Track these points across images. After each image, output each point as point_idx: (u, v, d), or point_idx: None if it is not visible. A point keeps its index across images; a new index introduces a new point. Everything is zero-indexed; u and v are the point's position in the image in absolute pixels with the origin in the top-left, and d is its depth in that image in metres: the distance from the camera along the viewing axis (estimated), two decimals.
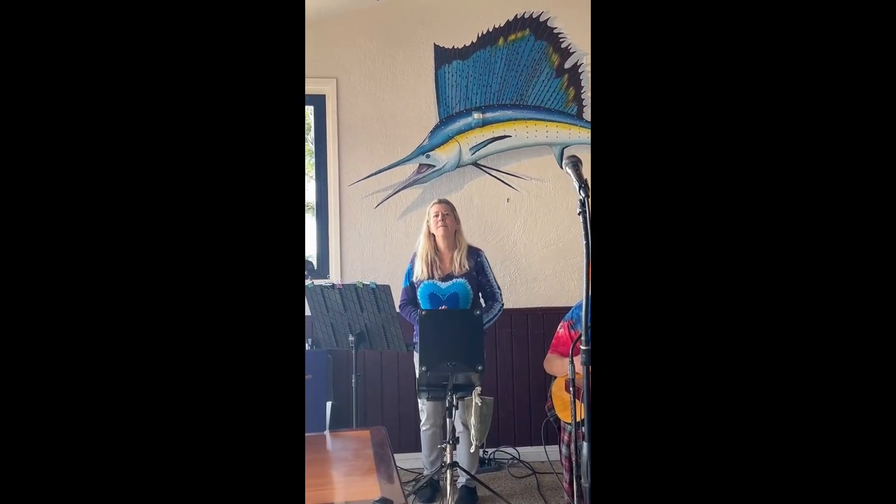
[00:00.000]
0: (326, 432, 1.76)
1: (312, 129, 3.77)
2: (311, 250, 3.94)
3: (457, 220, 2.96)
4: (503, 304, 2.96)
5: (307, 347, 3.37)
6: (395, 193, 3.54)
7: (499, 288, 2.96)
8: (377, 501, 1.04)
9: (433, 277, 2.92)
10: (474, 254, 2.97)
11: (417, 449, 3.08)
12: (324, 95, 3.54)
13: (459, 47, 3.58)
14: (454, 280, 2.92)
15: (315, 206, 3.68)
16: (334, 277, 3.50)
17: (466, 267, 2.92)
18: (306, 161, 8.28)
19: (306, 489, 1.36)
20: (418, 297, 2.93)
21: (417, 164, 3.55)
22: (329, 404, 1.72)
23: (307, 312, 2.67)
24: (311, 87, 3.55)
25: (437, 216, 2.92)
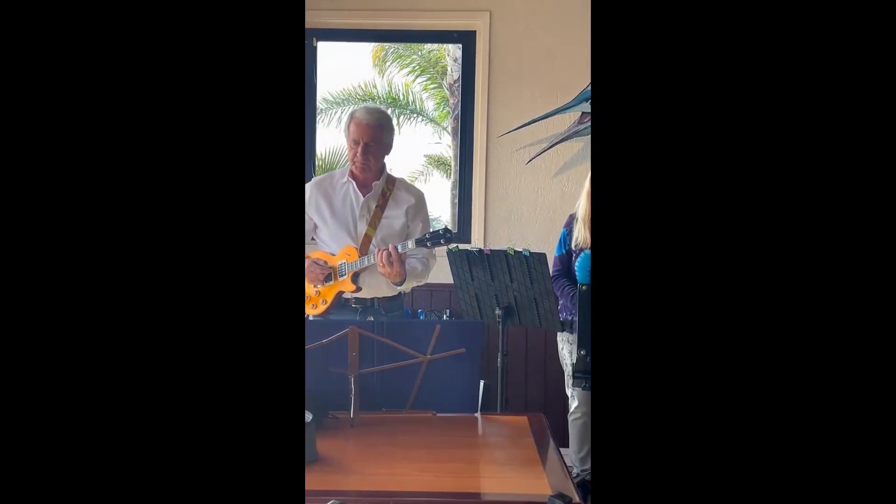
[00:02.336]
0: (478, 414, 1.79)
1: (459, 71, 3.81)
2: (446, 211, 4.02)
3: None
4: None
5: (444, 318, 3.47)
6: (552, 147, 3.49)
7: None
8: (554, 497, 1.05)
9: None
10: None
11: (562, 443, 3.09)
12: (474, 31, 3.55)
13: None
14: None
15: (456, 161, 3.73)
16: (476, 242, 3.54)
17: None
18: (445, 109, 8.34)
19: (449, 474, 1.42)
20: (575, 269, 2.90)
21: (580, 113, 3.47)
22: (482, 383, 1.76)
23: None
24: (459, 22, 3.57)
25: None
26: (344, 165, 2.52)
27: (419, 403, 1.74)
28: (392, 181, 2.54)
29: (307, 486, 1.31)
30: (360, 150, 2.41)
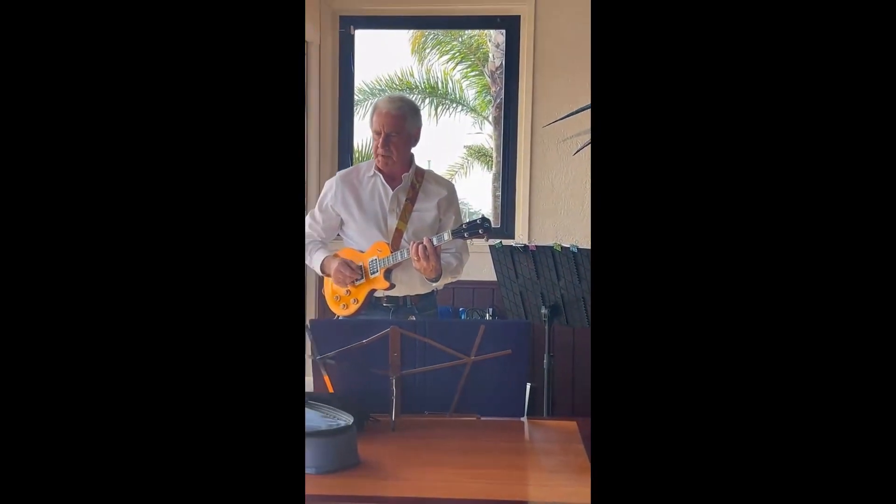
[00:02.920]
0: (524, 418, 1.78)
1: (501, 57, 3.79)
2: (487, 205, 4.01)
3: None
4: None
5: (487, 317, 3.46)
6: None
7: None
8: None
9: None
10: None
11: None
12: (518, 16, 3.54)
13: None
14: None
15: (498, 152, 3.72)
16: (520, 238, 3.53)
17: None
18: (487, 98, 8.29)
19: (494, 480, 1.41)
20: None
21: None
22: (529, 386, 1.75)
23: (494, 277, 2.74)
24: (502, 7, 3.56)
25: None
26: None
27: (463, 406, 1.73)
28: (421, 173, 2.49)
29: (348, 492, 1.33)
30: (381, 140, 2.37)
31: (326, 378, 1.73)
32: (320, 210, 2.51)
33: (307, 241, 2.53)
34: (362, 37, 3.83)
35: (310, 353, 1.77)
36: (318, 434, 1.39)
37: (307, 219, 2.56)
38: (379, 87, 8.17)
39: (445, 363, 1.70)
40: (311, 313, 3.63)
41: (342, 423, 1.44)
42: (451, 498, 1.32)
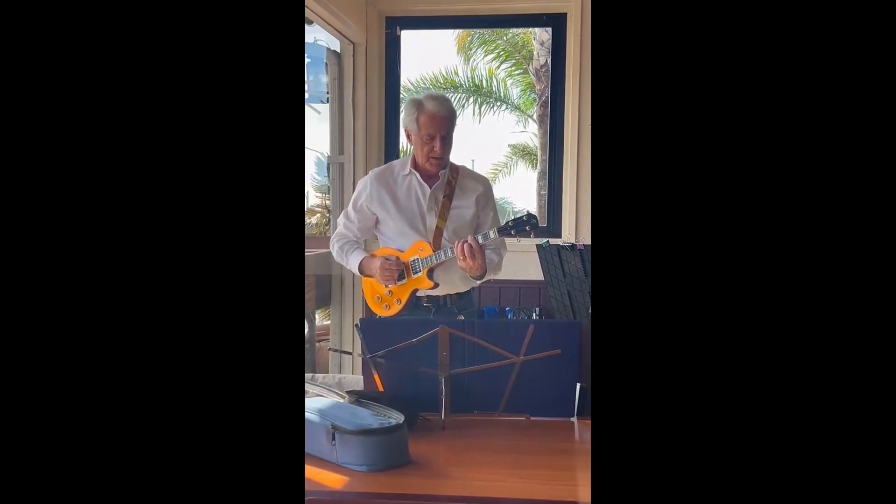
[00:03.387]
0: (574, 419, 1.78)
1: (546, 55, 3.78)
2: (532, 203, 4.00)
3: None
4: None
5: (534, 316, 3.46)
6: None
7: None
8: None
9: None
10: None
11: None
12: (565, 14, 3.52)
13: None
14: None
15: (544, 150, 3.71)
16: (567, 237, 3.52)
17: None
18: (531, 96, 8.26)
19: (545, 481, 1.41)
20: None
21: None
22: (579, 386, 1.73)
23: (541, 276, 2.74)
24: (548, 4, 3.55)
25: None
26: None
27: (512, 406, 1.74)
28: (456, 170, 2.46)
29: (399, 490, 1.35)
30: (438, 144, 2.32)
31: (377, 377, 1.75)
32: (355, 209, 2.50)
33: (342, 241, 2.52)
34: (408, 36, 3.86)
35: (360, 352, 1.80)
36: (370, 432, 1.41)
37: (341, 219, 2.56)
38: (424, 86, 8.20)
39: (494, 363, 1.70)
40: (359, 313, 3.66)
41: (393, 422, 1.46)
42: (501, 497, 1.33)
